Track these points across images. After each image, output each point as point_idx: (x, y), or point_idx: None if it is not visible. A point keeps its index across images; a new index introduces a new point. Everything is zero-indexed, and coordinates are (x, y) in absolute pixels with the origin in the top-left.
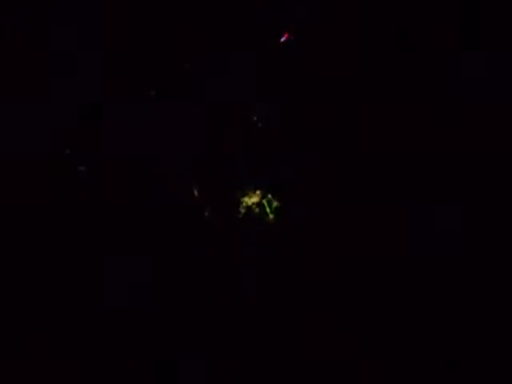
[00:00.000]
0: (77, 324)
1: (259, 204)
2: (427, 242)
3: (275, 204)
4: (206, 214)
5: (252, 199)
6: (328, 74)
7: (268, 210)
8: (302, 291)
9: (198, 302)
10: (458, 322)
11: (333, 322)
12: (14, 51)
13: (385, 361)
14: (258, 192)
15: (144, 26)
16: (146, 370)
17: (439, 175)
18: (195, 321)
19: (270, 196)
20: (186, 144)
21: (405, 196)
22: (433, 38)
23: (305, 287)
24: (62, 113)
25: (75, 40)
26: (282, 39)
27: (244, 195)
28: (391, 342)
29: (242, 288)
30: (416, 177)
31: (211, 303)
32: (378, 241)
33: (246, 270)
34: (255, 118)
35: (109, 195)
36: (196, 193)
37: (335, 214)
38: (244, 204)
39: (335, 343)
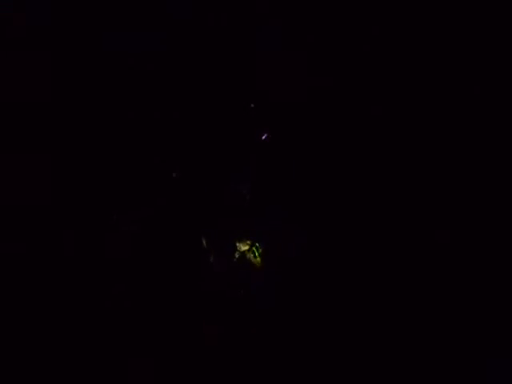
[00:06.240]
0: None
1: (249, 250)
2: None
3: (260, 250)
4: (211, 258)
5: (244, 247)
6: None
7: (256, 253)
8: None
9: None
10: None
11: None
12: None
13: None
14: (248, 242)
15: None
16: None
17: None
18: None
19: (257, 244)
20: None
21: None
22: None
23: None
24: None
25: None
26: (263, 137)
27: (239, 243)
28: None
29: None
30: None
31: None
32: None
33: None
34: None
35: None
36: (204, 243)
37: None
38: (239, 251)
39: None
